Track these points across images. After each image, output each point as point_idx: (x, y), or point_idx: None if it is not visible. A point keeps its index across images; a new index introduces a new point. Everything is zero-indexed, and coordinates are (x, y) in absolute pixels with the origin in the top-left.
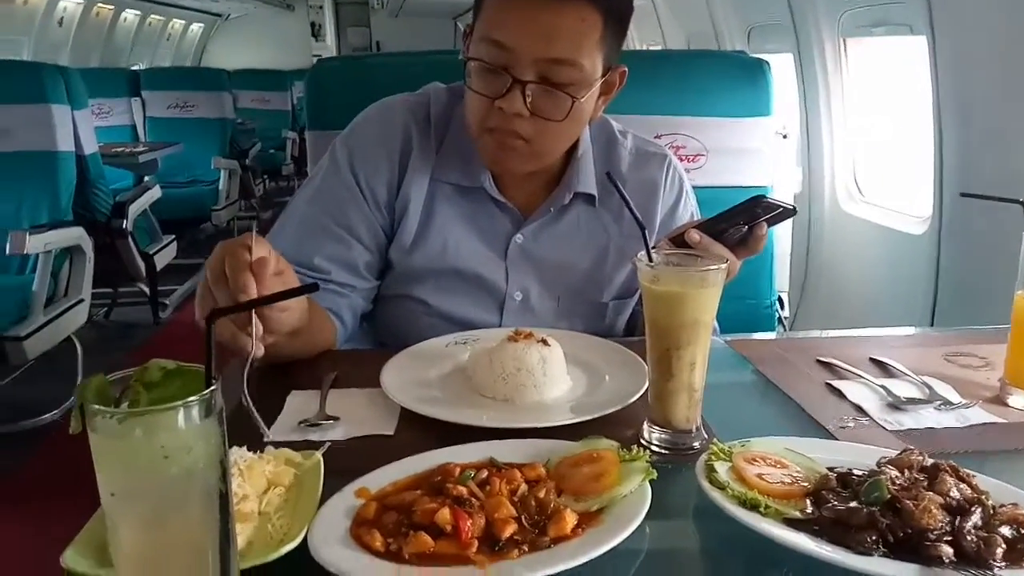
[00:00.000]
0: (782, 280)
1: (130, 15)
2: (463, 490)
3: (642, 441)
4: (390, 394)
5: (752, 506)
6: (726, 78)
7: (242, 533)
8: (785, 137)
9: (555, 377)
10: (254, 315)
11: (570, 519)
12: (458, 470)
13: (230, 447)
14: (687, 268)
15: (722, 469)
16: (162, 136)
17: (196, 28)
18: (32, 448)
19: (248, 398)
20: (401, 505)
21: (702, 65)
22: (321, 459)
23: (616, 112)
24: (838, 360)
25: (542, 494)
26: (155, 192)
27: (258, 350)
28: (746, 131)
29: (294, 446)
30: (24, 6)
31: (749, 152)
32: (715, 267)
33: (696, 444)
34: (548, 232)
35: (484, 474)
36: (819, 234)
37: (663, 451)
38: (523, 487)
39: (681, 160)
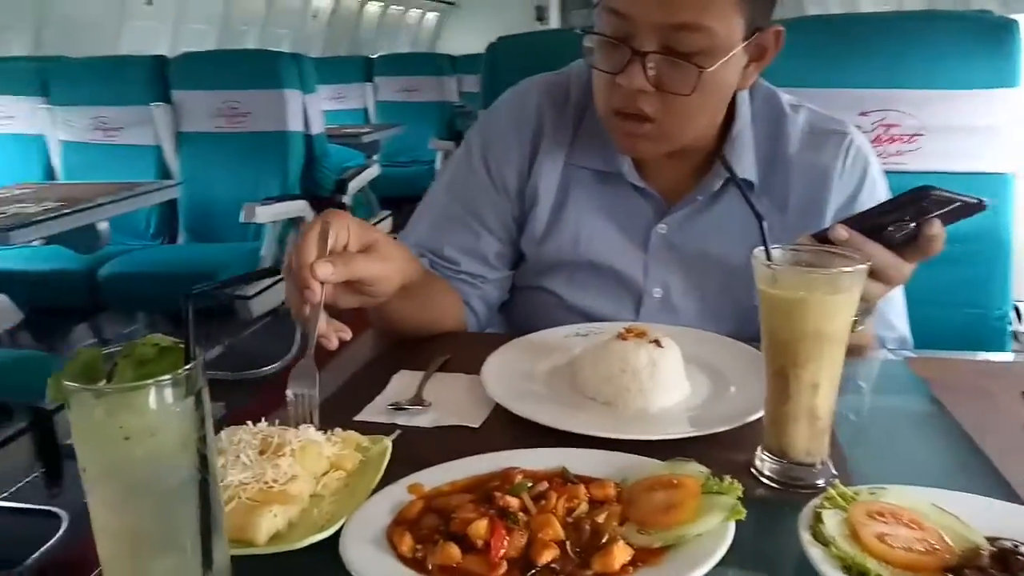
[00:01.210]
0: (1022, 287)
1: (373, 7)
2: (513, 502)
3: (753, 470)
4: (485, 384)
5: (859, 574)
6: (959, 42)
7: (282, 515)
8: None
9: (666, 383)
10: (322, 311)
11: (620, 554)
12: (519, 477)
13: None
14: (813, 269)
15: (833, 520)
16: (389, 118)
17: (431, 17)
18: (253, 393)
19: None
20: (445, 509)
21: (926, 27)
22: (389, 447)
23: (809, 86)
24: None
25: (601, 518)
26: (374, 170)
27: (329, 343)
28: (982, 105)
29: (380, 428)
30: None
31: (985, 131)
32: (848, 269)
33: (819, 482)
34: (695, 222)
35: (544, 486)
36: None
37: (773, 485)
38: (582, 507)
39: (892, 141)
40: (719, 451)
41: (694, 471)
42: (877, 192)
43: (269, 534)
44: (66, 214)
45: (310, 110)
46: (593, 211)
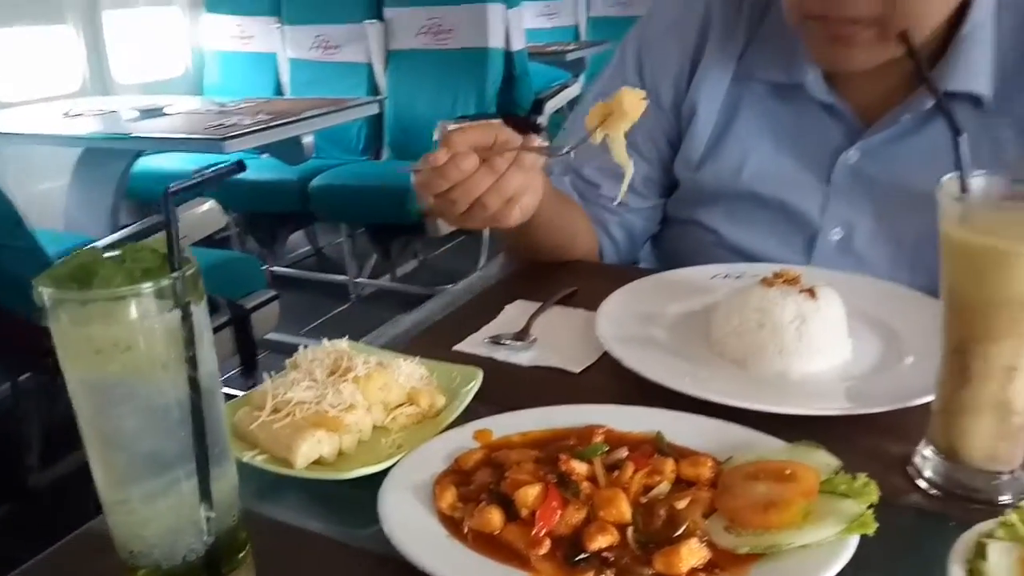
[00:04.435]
0: None
1: None
2: (579, 468)
3: (909, 468)
4: (597, 324)
5: None
6: None
7: (328, 442)
8: None
9: (816, 344)
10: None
11: (690, 555)
12: (598, 438)
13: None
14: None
15: (1002, 558)
16: (602, 36)
17: None
18: (443, 309)
19: None
20: (503, 464)
21: None
22: (477, 383)
23: None
24: None
25: (682, 504)
26: (573, 90)
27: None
28: None
29: (476, 363)
30: None
31: None
32: None
33: (1003, 498)
34: (898, 149)
35: (623, 453)
36: None
37: (934, 492)
38: (663, 486)
39: None
40: (872, 439)
41: (820, 461)
42: None
43: (308, 459)
44: (273, 127)
45: (512, 25)
46: (764, 132)
